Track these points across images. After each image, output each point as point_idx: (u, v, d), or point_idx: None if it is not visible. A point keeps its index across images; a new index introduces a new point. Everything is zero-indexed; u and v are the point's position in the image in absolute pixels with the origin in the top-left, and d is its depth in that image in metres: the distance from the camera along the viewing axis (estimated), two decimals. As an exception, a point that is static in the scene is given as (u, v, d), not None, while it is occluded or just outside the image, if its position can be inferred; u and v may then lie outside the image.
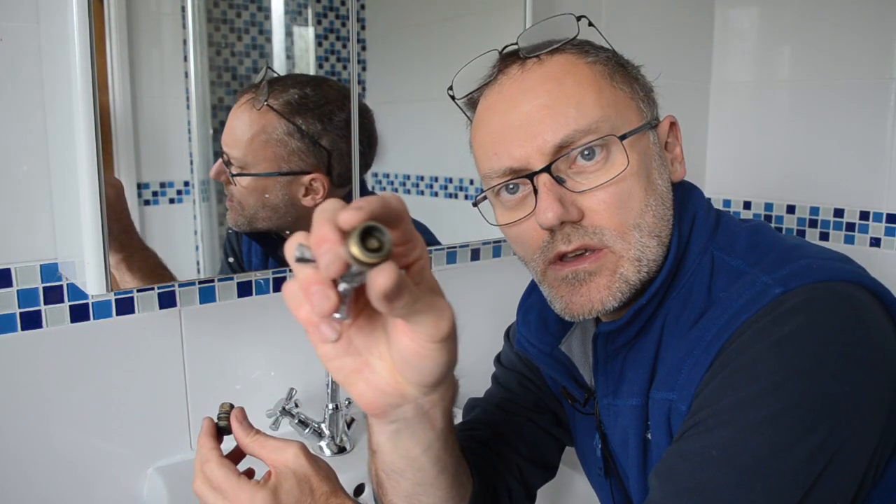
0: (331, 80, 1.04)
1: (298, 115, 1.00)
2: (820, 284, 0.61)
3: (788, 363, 0.58)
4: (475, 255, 1.36)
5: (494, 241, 1.36)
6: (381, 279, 0.41)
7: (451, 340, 0.49)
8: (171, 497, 1.00)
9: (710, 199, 0.76)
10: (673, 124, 0.75)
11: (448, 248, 1.31)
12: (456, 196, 1.21)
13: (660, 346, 0.70)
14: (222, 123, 0.96)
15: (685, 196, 0.73)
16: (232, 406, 0.70)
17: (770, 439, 0.56)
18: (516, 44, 0.71)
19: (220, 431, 0.69)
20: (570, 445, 0.91)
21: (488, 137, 0.71)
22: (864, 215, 1.44)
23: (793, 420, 0.56)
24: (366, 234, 0.41)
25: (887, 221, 1.41)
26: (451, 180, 1.21)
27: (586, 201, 0.67)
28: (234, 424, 0.68)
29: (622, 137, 0.67)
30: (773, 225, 1.45)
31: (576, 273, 0.68)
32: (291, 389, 1.12)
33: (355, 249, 0.40)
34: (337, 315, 0.45)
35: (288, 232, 1.05)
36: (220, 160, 0.98)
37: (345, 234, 0.41)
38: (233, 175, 0.99)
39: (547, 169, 0.67)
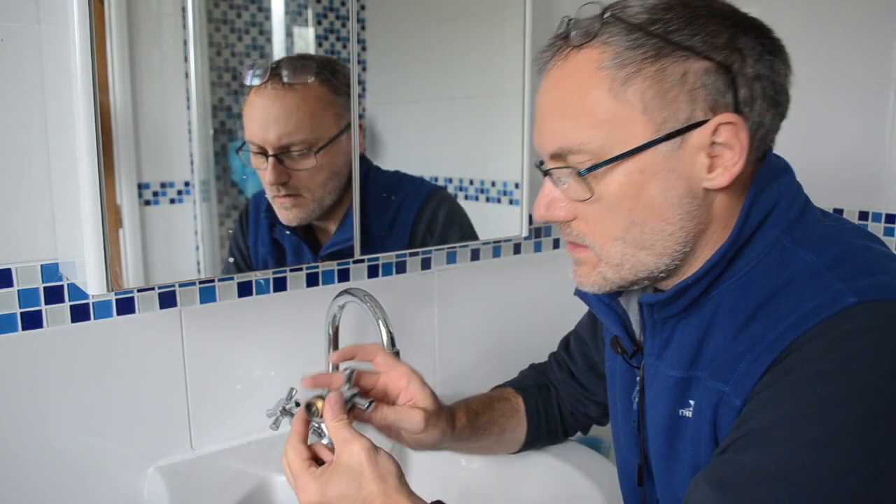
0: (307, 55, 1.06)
1: (333, 75, 1.04)
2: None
3: (852, 381, 0.58)
4: (475, 255, 1.36)
5: (494, 242, 1.36)
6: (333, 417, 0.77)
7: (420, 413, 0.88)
8: (172, 497, 1.00)
9: (798, 191, 0.73)
10: (726, 125, 0.66)
11: (448, 248, 1.31)
12: (455, 196, 1.22)
13: (710, 327, 0.71)
14: (222, 123, 0.96)
15: (764, 186, 0.70)
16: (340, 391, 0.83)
17: (829, 459, 0.57)
18: (571, 19, 0.69)
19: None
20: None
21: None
22: (864, 215, 1.44)
23: (853, 442, 0.57)
24: (308, 407, 0.79)
25: (887, 221, 1.41)
26: (450, 180, 1.21)
27: (577, 207, 0.71)
28: (326, 406, 0.77)
29: (591, 169, 0.67)
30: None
31: (570, 254, 0.75)
32: (291, 389, 1.11)
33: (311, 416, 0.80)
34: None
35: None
36: (273, 167, 0.99)
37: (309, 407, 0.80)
38: (316, 152, 1.02)
39: (547, 171, 0.71)
